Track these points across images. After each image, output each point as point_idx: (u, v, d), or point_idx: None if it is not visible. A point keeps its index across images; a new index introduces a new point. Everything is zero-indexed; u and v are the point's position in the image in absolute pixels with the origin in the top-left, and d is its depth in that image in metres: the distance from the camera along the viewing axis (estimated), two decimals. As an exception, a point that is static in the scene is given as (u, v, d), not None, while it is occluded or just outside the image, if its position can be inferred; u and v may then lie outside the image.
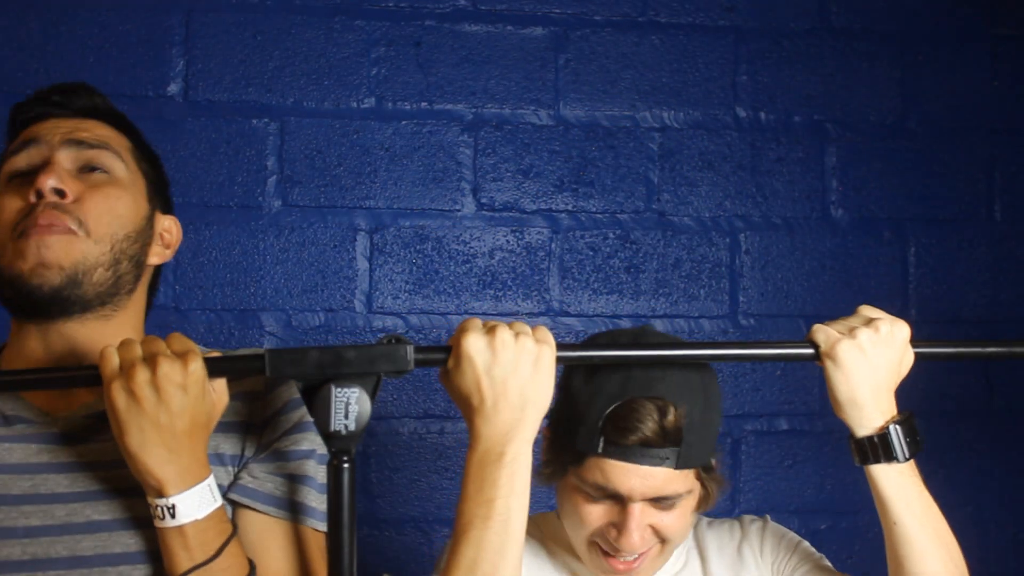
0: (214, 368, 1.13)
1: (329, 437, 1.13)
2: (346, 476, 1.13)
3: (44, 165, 1.23)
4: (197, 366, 1.11)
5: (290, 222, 2.12)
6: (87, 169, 1.25)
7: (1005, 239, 2.32)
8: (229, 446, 1.24)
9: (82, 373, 1.16)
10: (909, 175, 2.29)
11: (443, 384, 1.23)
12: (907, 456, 1.26)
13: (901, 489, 1.26)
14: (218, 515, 1.13)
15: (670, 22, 2.24)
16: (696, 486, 1.36)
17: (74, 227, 1.20)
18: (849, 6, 2.29)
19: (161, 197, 1.35)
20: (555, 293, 2.18)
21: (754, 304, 2.24)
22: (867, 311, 1.30)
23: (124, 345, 1.12)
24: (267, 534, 1.22)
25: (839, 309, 2.24)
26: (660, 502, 1.32)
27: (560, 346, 1.21)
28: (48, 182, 1.20)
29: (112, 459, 1.15)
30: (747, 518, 1.52)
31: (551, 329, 2.13)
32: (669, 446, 1.29)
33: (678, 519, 1.35)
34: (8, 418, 1.22)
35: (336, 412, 1.13)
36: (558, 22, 2.22)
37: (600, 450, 1.30)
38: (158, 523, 1.11)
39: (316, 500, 1.24)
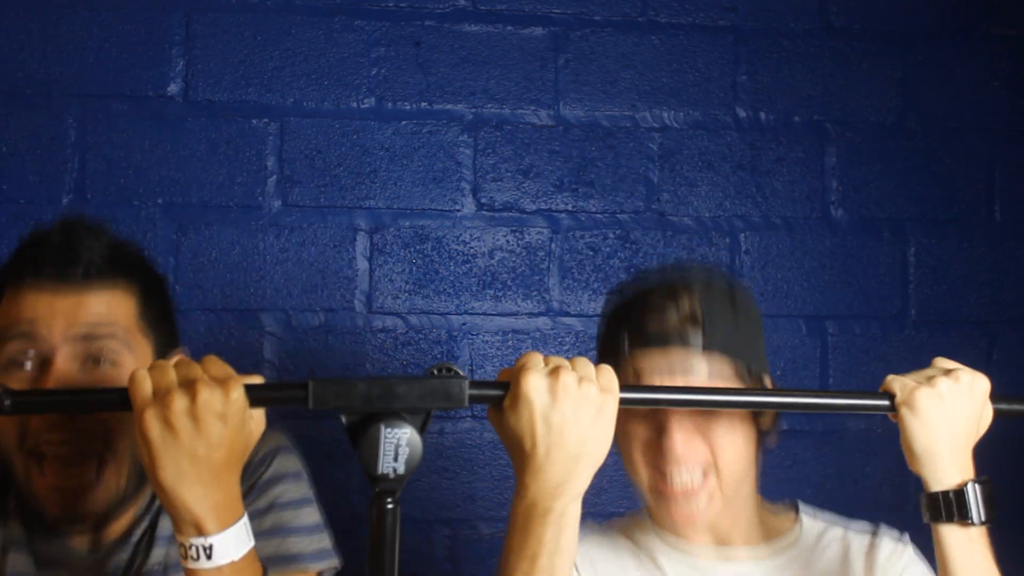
0: (254, 397, 1.07)
1: (375, 479, 1.05)
2: (390, 518, 1.05)
3: (44, 366, 1.17)
4: (239, 395, 1.04)
5: (290, 222, 2.11)
6: (91, 361, 1.20)
7: (1005, 239, 2.32)
8: None
9: (111, 397, 1.08)
10: (909, 175, 2.29)
11: (491, 421, 1.16)
12: (983, 519, 1.19)
13: (969, 556, 1.19)
14: (252, 555, 1.08)
15: (670, 22, 2.24)
16: (736, 386, 1.31)
17: (91, 457, 1.17)
18: (849, 6, 2.29)
19: (168, 340, 1.31)
20: (555, 293, 2.18)
21: (754, 304, 2.24)
22: (944, 362, 1.26)
23: (157, 368, 1.05)
24: None
25: (839, 309, 2.25)
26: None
27: (624, 388, 1.15)
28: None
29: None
30: (884, 532, 1.42)
31: (550, 330, 2.15)
32: (692, 327, 1.29)
33: (726, 435, 1.29)
34: (50, 559, 1.22)
35: (385, 454, 1.05)
36: (558, 22, 2.22)
37: (627, 351, 1.30)
38: (190, 564, 1.04)
39: (303, 544, 1.23)
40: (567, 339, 2.18)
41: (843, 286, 2.26)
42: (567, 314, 2.18)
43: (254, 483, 1.26)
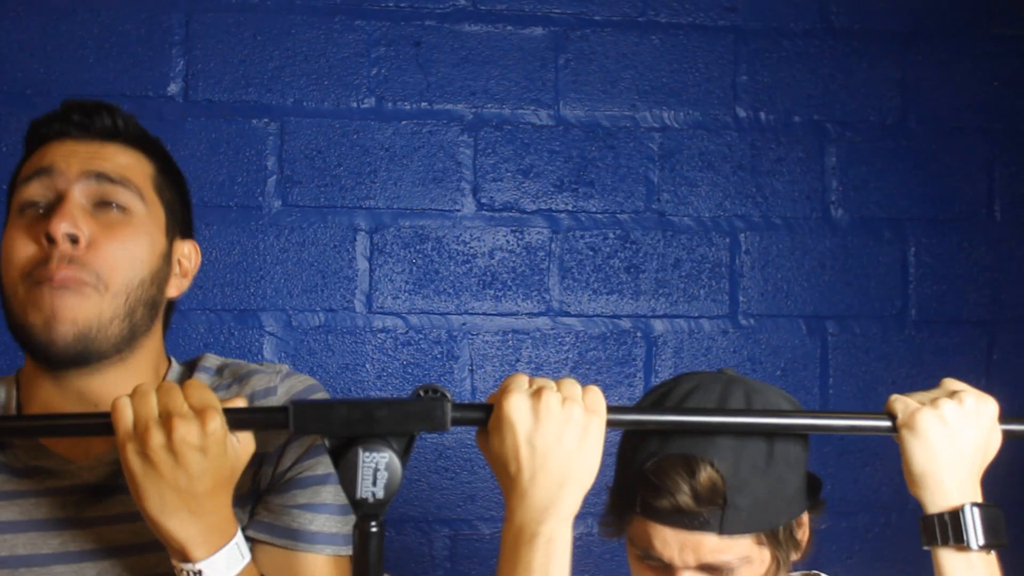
0: (235, 421, 1.06)
1: (355, 504, 1.04)
2: (373, 542, 1.04)
3: (58, 201, 1.17)
4: (216, 425, 1.03)
5: (290, 222, 2.12)
6: (103, 204, 1.19)
7: (1005, 239, 2.32)
8: (243, 483, 1.17)
9: (95, 422, 1.08)
10: (909, 175, 2.29)
11: (479, 445, 1.14)
12: (981, 544, 1.12)
13: None
14: (247, 572, 1.08)
15: (670, 22, 2.24)
16: (758, 552, 1.21)
17: (90, 281, 1.15)
18: (849, 6, 2.29)
19: (181, 223, 1.30)
20: (555, 293, 2.18)
21: (754, 304, 2.24)
22: (951, 384, 1.21)
23: (137, 397, 1.04)
24: (287, 569, 1.18)
25: (839, 309, 2.25)
26: (711, 571, 1.19)
27: (612, 409, 1.11)
28: (62, 227, 1.14)
29: (138, 510, 1.11)
30: None
31: (550, 330, 2.15)
32: (709, 508, 1.16)
33: None
34: (30, 468, 1.19)
35: (363, 479, 1.03)
36: (558, 22, 2.22)
37: (638, 510, 1.20)
38: None
39: (336, 524, 1.20)
40: (567, 339, 2.18)
41: (843, 286, 2.26)
42: (567, 314, 2.18)
43: (312, 444, 1.22)
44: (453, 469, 2.13)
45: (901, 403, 1.18)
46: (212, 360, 1.30)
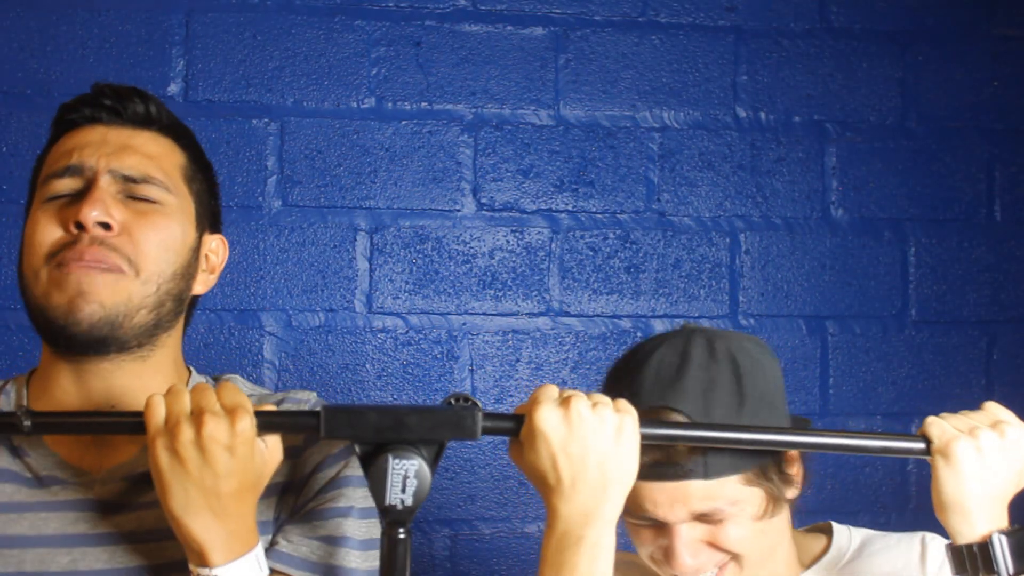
0: (265, 424, 1.06)
1: (384, 510, 1.05)
2: (400, 549, 1.05)
3: (87, 188, 1.14)
4: (246, 425, 1.03)
5: (290, 222, 2.12)
6: (132, 196, 1.17)
7: (1005, 239, 2.32)
8: (265, 509, 1.16)
9: (127, 420, 1.08)
10: (909, 175, 2.29)
11: (512, 457, 1.14)
12: (1011, 572, 1.13)
13: None
14: None
15: (670, 22, 2.25)
16: (749, 494, 1.21)
17: (123, 266, 1.13)
18: (849, 6, 2.29)
19: (210, 215, 1.28)
20: (555, 293, 2.18)
21: (754, 304, 2.24)
22: (994, 410, 1.19)
23: (171, 395, 1.04)
24: None
25: (839, 309, 2.25)
26: (706, 517, 1.21)
27: (645, 423, 1.11)
28: (92, 214, 1.11)
29: (152, 528, 1.10)
30: (931, 539, 1.34)
31: (550, 330, 2.15)
32: (689, 456, 1.17)
33: (741, 529, 1.21)
34: (42, 479, 1.16)
35: (392, 485, 1.04)
36: (558, 22, 2.22)
37: None
38: None
39: (356, 559, 1.18)
40: (567, 339, 2.18)
41: (843, 286, 2.26)
42: (567, 314, 2.18)
43: (335, 476, 1.21)
44: (453, 469, 2.13)
45: (938, 427, 1.16)
46: (240, 384, 1.29)
